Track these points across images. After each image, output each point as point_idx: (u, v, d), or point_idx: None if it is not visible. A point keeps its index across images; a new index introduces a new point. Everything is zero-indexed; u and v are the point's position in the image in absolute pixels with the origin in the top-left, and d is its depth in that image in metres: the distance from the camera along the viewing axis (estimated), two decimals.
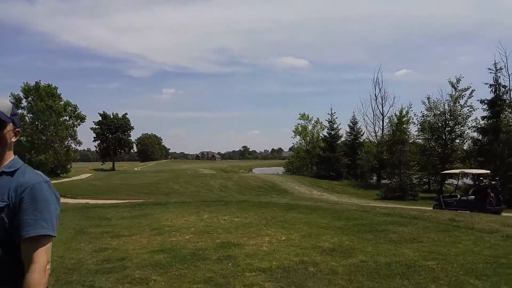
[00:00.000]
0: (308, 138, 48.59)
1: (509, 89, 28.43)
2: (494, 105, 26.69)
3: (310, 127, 48.96)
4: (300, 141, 49.84)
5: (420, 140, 33.75)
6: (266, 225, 8.29)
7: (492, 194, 15.35)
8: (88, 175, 46.35)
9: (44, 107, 36.88)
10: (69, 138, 42.05)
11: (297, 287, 4.27)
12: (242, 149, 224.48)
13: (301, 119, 49.33)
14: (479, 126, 28.12)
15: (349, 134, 43.91)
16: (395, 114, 35.32)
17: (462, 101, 31.59)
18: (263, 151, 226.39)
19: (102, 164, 70.71)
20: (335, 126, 43.71)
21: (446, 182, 31.93)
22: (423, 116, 32.98)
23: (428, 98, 32.61)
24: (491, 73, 27.24)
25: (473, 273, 4.70)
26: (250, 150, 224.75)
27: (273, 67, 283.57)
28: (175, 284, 4.42)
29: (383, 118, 40.34)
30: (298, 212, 10.34)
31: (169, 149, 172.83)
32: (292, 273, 4.75)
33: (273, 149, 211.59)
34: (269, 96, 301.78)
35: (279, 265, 5.10)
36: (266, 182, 30.94)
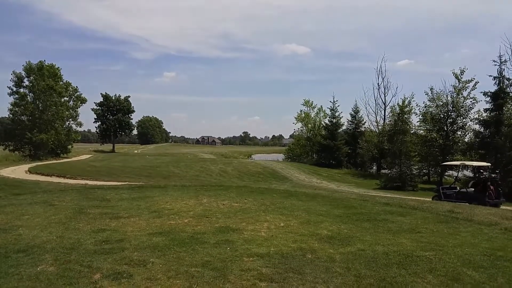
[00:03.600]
0: (310, 125, 48.40)
1: None
2: (497, 97, 26.47)
3: (313, 114, 48.75)
4: (302, 128, 49.70)
5: (421, 131, 33.63)
6: (265, 211, 8.31)
7: (491, 187, 15.32)
8: (88, 156, 46.43)
9: (45, 86, 36.66)
10: (70, 119, 41.91)
11: (295, 274, 4.27)
12: (242, 135, 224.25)
13: (304, 105, 49.07)
14: (481, 118, 27.94)
15: (351, 123, 43.78)
16: (397, 104, 35.18)
17: (465, 93, 31.38)
18: (263, 138, 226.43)
19: (101, 145, 70.80)
20: (336, 114, 43.59)
21: (446, 173, 31.97)
22: (425, 106, 32.82)
23: (431, 89, 32.38)
24: (495, 65, 26.96)
25: (471, 265, 4.71)
26: (251, 136, 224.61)
27: (275, 54, 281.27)
28: (173, 266, 4.43)
29: (385, 108, 40.16)
30: (297, 199, 10.36)
31: (170, 132, 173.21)
32: (290, 260, 4.77)
33: (273, 136, 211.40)
34: (271, 83, 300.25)
35: (277, 251, 5.11)
36: (266, 169, 30.98)
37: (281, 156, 57.21)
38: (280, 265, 4.54)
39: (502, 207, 14.53)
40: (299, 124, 49.64)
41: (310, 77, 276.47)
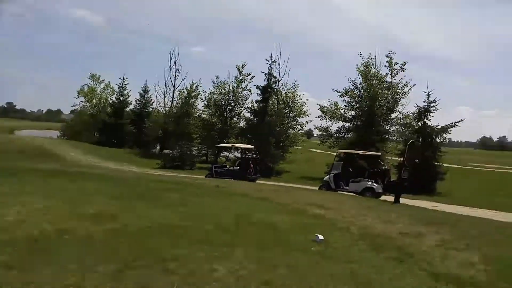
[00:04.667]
0: (95, 101, 44.22)
1: (278, 80, 34.64)
2: (265, 91, 31.99)
3: (99, 90, 44.68)
4: (84, 104, 44.80)
5: (204, 115, 36.76)
6: (21, 193, 7.04)
7: (251, 165, 18.59)
8: None
9: None
10: None
11: (45, 256, 3.86)
12: (5, 105, 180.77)
13: (90, 79, 44.36)
14: (252, 108, 33.12)
15: (139, 102, 42.73)
16: (186, 87, 37.02)
17: (243, 85, 36.38)
18: (36, 111, 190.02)
19: None
20: (125, 92, 41.66)
21: (222, 154, 36.30)
22: (210, 93, 36.03)
23: (217, 78, 35.83)
24: (267, 63, 32.37)
25: (221, 229, 5.57)
26: (17, 108, 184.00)
27: (59, 16, 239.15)
28: None
29: (173, 90, 41.26)
30: (67, 179, 9.33)
31: None
32: (41, 243, 4.26)
33: (49, 110, 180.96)
34: (54, 49, 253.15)
35: (25, 236, 4.45)
36: (33, 146, 26.28)
37: (56, 133, 49.83)
38: (26, 250, 3.96)
39: (258, 181, 17.84)
40: (82, 99, 44.63)
41: (101, 49, 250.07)
